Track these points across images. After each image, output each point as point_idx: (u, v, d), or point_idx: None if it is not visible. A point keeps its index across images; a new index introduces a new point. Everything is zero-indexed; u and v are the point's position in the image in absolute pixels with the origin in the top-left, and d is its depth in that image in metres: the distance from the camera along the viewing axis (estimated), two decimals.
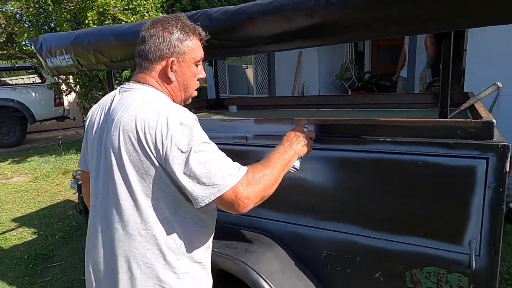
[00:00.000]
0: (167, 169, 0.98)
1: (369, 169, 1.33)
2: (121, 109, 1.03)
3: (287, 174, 1.15)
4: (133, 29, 1.65)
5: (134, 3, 4.92)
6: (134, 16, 4.95)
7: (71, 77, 6.16)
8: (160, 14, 5.27)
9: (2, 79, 9.01)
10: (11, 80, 9.86)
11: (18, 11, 5.33)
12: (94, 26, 4.80)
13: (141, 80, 1.09)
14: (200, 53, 1.13)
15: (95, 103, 1.20)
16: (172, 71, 1.08)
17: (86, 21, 4.79)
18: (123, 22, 4.90)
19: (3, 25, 5.55)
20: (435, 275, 1.29)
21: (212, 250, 1.50)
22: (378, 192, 1.34)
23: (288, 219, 1.56)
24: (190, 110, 1.11)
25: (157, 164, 0.98)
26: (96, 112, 1.16)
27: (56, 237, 3.57)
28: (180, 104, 1.13)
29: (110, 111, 1.08)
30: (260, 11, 1.28)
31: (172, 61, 1.07)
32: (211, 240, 1.20)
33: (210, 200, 0.95)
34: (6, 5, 5.46)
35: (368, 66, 6.60)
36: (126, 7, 4.90)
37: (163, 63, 1.07)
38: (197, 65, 1.14)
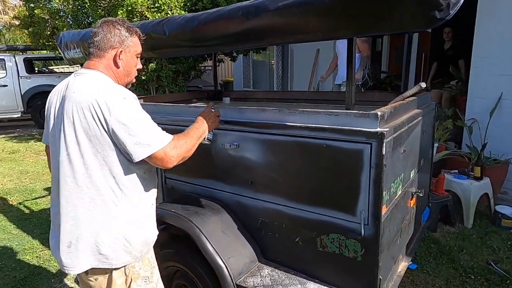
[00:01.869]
0: (112, 134, 1.24)
1: (289, 150, 1.61)
2: (75, 90, 1.29)
3: (202, 146, 1.47)
4: None
5: (160, 1, 5.39)
6: (159, 14, 5.42)
7: None
8: (183, 12, 5.71)
9: (50, 67, 10.01)
10: (57, 68, 10.92)
11: (61, 8, 6.02)
12: None
13: (91, 66, 1.35)
14: (139, 48, 1.44)
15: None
16: (120, 59, 1.37)
17: None
18: (149, 19, 5.39)
19: (48, 20, 6.28)
20: (338, 241, 1.55)
21: (170, 211, 1.87)
22: (297, 170, 1.62)
23: (234, 190, 1.87)
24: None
25: (103, 130, 1.24)
26: (54, 94, 1.40)
27: None
28: (124, 86, 1.39)
29: (66, 92, 1.32)
30: (206, 18, 1.60)
31: (121, 51, 1.37)
32: (152, 196, 1.45)
33: (144, 156, 1.24)
34: (51, 2, 6.18)
35: (384, 65, 6.64)
36: (152, 6, 5.38)
37: (113, 52, 1.36)
38: (137, 57, 1.45)
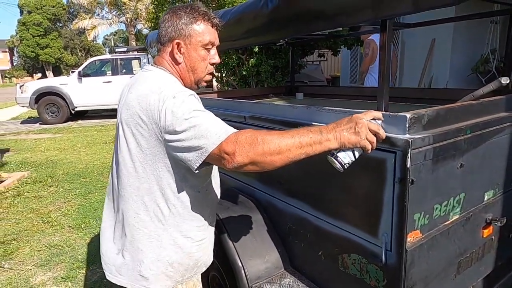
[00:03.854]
0: (163, 140, 1.03)
1: None
2: (132, 88, 1.14)
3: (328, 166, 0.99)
4: None
5: None
6: None
7: None
8: None
9: None
10: None
11: None
12: None
13: (157, 63, 1.18)
14: (208, 37, 1.14)
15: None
16: (180, 53, 1.13)
17: None
18: None
19: None
20: (359, 263, 1.32)
21: None
22: (316, 173, 1.44)
23: (266, 190, 1.80)
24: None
25: (154, 137, 1.05)
26: (124, 90, 1.25)
27: None
28: (191, 86, 1.19)
29: (128, 89, 1.18)
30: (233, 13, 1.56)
31: (178, 43, 1.12)
32: (207, 218, 1.24)
33: (201, 161, 0.98)
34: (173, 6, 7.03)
35: None
36: None
37: (171, 45, 1.13)
38: (207, 49, 1.16)
